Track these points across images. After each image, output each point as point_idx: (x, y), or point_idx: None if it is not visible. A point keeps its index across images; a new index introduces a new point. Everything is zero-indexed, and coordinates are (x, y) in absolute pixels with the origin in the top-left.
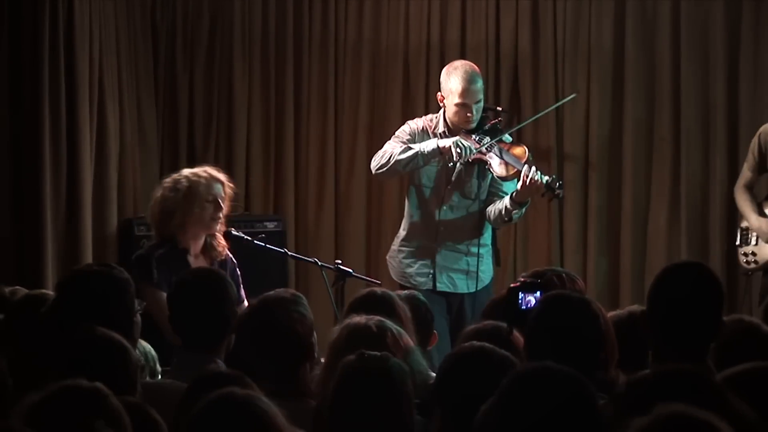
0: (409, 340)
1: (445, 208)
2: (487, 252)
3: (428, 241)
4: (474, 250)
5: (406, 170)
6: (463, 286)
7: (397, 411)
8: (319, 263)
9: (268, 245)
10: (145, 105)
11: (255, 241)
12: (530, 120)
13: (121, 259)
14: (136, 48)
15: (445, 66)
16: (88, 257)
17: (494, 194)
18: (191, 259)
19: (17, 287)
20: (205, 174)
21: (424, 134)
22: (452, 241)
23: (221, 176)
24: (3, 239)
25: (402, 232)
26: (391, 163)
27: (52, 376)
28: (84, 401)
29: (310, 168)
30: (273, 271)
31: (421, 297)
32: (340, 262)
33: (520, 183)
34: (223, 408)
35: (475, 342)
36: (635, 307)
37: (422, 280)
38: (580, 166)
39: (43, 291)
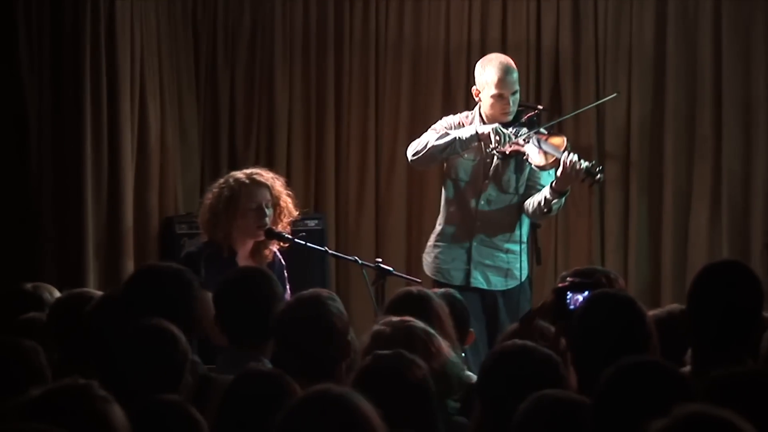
0: (440, 342)
1: (482, 202)
2: (523, 249)
3: (464, 236)
4: (510, 246)
5: (443, 156)
6: (498, 283)
7: (415, 408)
8: (360, 261)
9: (308, 243)
10: (186, 103)
11: (295, 240)
12: (569, 116)
13: (162, 257)
14: (177, 46)
15: None
16: (129, 256)
17: (532, 188)
18: (240, 262)
19: (39, 283)
20: (248, 180)
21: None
22: (489, 237)
23: (268, 179)
24: (44, 238)
25: (438, 228)
26: (428, 149)
27: (90, 368)
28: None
29: (351, 166)
30: (313, 269)
31: (458, 295)
32: (380, 260)
33: (560, 169)
34: (319, 404)
35: (517, 340)
36: (675, 307)
37: (456, 275)
38: (621, 164)
39: (85, 289)
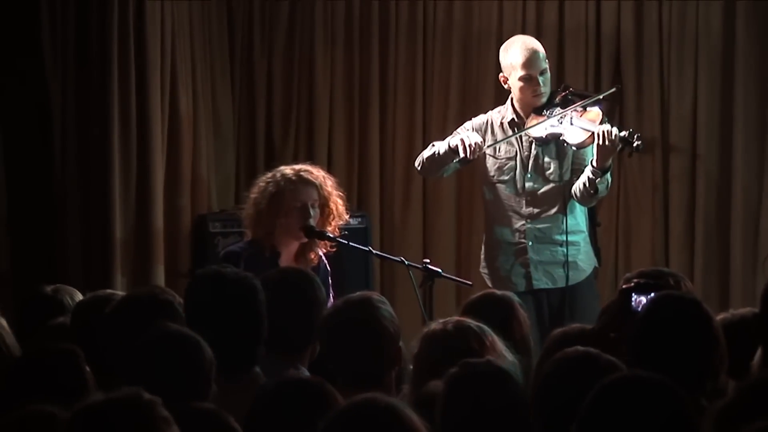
0: (495, 337)
1: (528, 198)
2: (583, 239)
3: (517, 237)
4: (570, 238)
5: (436, 172)
6: (563, 278)
7: (514, 416)
8: (406, 262)
9: (351, 243)
10: (220, 93)
11: (337, 239)
12: (583, 102)
13: (194, 258)
14: (210, 33)
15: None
16: (159, 257)
17: (578, 171)
18: (283, 264)
19: (60, 285)
20: (295, 176)
21: (489, 127)
22: (543, 232)
23: (318, 177)
24: (70, 237)
25: (487, 236)
26: (420, 163)
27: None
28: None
29: (397, 161)
30: (356, 270)
31: (517, 299)
32: (428, 261)
33: (596, 143)
34: (365, 414)
35: (579, 347)
36: (747, 311)
37: (518, 280)
38: (687, 158)
39: (110, 291)
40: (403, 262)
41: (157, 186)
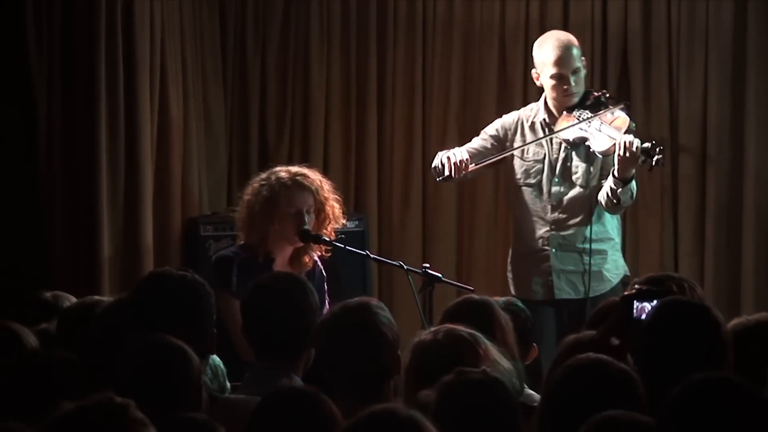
0: (488, 344)
1: (553, 203)
2: (611, 247)
3: (540, 243)
4: (595, 246)
5: (440, 181)
6: (586, 289)
7: (505, 426)
8: (405, 267)
9: (348, 247)
10: (211, 92)
11: (334, 242)
12: (609, 110)
13: (185, 262)
14: (201, 29)
15: None
16: (149, 260)
17: (607, 177)
18: (277, 269)
19: (58, 292)
20: (290, 181)
21: (519, 127)
22: (568, 239)
23: (314, 182)
24: (54, 240)
25: (513, 240)
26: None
27: (98, 385)
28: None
29: (395, 161)
30: (353, 275)
31: (520, 304)
32: (428, 265)
33: (616, 153)
34: (384, 425)
35: (591, 353)
36: (763, 315)
37: (539, 289)
38: (697, 159)
39: (96, 297)
40: (401, 266)
41: (146, 188)
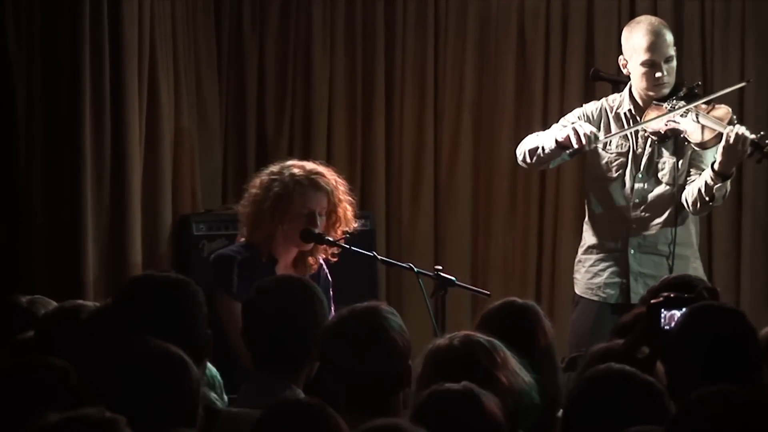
0: (507, 353)
1: (636, 200)
2: (692, 253)
3: (618, 243)
4: (678, 250)
5: (540, 165)
6: None
7: None
8: (416, 269)
9: (354, 248)
10: (205, 80)
11: (338, 243)
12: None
13: (176, 264)
14: (194, 11)
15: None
16: (137, 262)
17: (692, 174)
18: (280, 271)
19: (36, 296)
20: (306, 180)
21: (603, 117)
22: (648, 241)
23: (330, 182)
24: (35, 240)
25: (585, 237)
26: (522, 155)
27: (89, 397)
28: None
29: (405, 155)
30: (360, 278)
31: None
32: (440, 268)
33: (722, 144)
34: None
35: (613, 364)
36: None
37: (612, 292)
38: None
39: (79, 301)
40: (412, 269)
41: (134, 183)
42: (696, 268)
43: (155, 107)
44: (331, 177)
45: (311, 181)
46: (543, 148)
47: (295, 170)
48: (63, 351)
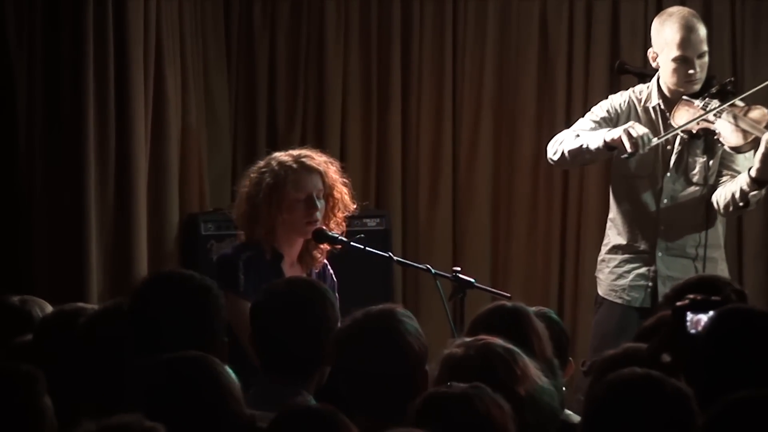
0: (527, 361)
1: (665, 200)
2: (720, 255)
3: (645, 244)
4: (707, 252)
5: (580, 165)
6: None
7: None
8: (433, 271)
9: (368, 248)
10: (214, 72)
11: (352, 243)
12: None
13: (183, 265)
14: (203, 4)
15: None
16: (142, 263)
17: (724, 175)
18: (286, 268)
19: (27, 296)
20: (295, 164)
21: (631, 111)
22: (677, 243)
23: (320, 164)
24: (36, 239)
25: (609, 235)
26: (560, 154)
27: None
28: None
29: (422, 151)
30: (374, 280)
31: (554, 315)
32: (459, 269)
33: (761, 150)
34: None
35: (636, 368)
36: None
37: (637, 295)
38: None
39: (79, 304)
40: (429, 270)
41: (140, 180)
42: (723, 270)
43: (161, 102)
44: (319, 158)
45: (301, 164)
46: (588, 148)
47: (283, 158)
48: (62, 355)
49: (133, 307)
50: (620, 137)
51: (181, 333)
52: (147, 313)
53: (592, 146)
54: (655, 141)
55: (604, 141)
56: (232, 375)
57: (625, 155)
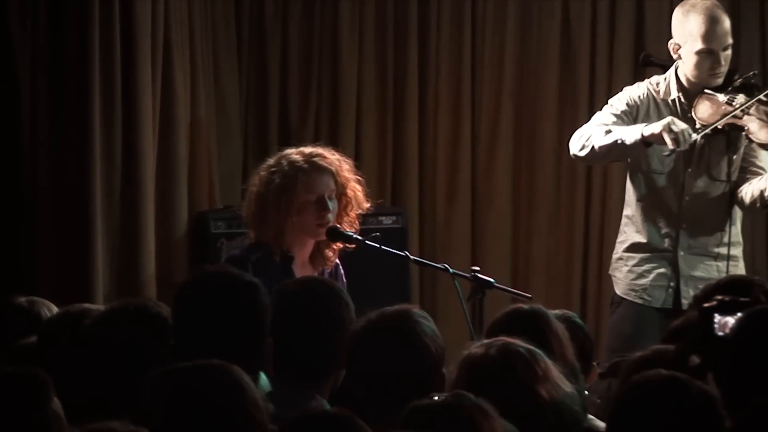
0: (548, 363)
1: (687, 198)
2: (741, 252)
3: (666, 244)
4: (730, 251)
5: (610, 161)
6: None
7: None
8: (451, 270)
9: (384, 247)
10: (224, 66)
11: (367, 241)
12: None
13: (192, 264)
14: None
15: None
16: (150, 263)
17: (747, 170)
18: (296, 268)
19: (34, 297)
20: (306, 164)
21: (650, 104)
22: (699, 241)
23: (332, 162)
24: (41, 240)
25: (627, 233)
26: (589, 149)
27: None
28: None
29: (439, 147)
30: (390, 279)
31: (577, 318)
32: (478, 269)
33: None
34: None
35: (661, 370)
36: None
37: (658, 295)
38: None
39: (85, 305)
40: (447, 270)
41: (147, 178)
42: (742, 269)
43: (170, 97)
44: (332, 156)
45: (312, 164)
46: (624, 143)
47: (294, 156)
48: (67, 357)
49: (178, 308)
50: (660, 132)
51: (229, 333)
52: (193, 313)
53: (629, 141)
54: (695, 136)
55: (642, 135)
56: (259, 384)
57: (666, 152)
